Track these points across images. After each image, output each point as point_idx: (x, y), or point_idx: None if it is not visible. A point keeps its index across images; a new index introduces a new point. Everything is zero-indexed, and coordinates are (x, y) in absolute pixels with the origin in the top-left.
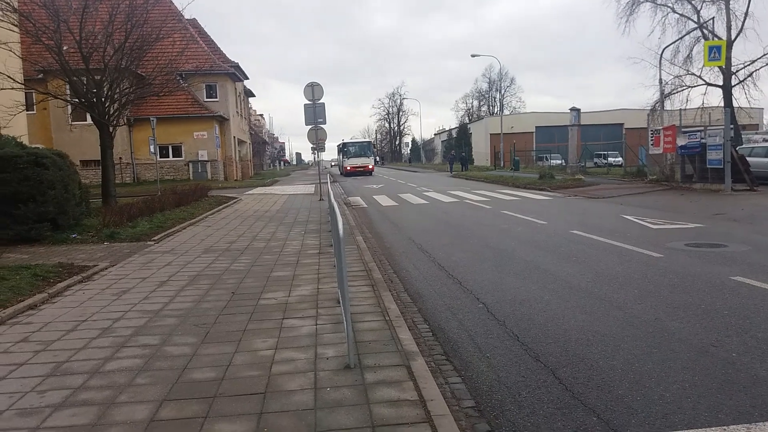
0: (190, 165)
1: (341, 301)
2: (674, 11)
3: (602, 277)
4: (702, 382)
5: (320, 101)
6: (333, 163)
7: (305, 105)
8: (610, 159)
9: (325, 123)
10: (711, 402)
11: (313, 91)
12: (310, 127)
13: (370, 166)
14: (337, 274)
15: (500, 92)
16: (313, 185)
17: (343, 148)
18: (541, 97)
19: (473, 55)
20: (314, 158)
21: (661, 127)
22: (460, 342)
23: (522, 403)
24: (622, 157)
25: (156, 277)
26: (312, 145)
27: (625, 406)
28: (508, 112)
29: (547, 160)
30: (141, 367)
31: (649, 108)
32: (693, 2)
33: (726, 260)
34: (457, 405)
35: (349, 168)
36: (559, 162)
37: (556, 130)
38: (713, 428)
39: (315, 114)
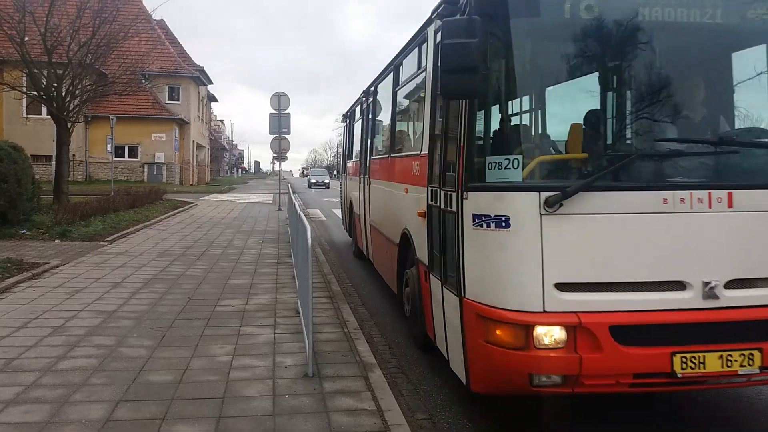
0: (146, 167)
1: (301, 311)
2: None
3: None
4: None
5: (286, 111)
6: (311, 177)
7: (270, 114)
8: None
9: (289, 133)
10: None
11: (280, 100)
12: (274, 136)
13: None
14: (300, 282)
15: None
16: (272, 195)
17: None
18: None
19: None
20: (273, 167)
21: None
22: (415, 358)
23: (473, 418)
24: None
25: (110, 278)
26: (274, 155)
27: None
28: None
29: None
30: (96, 367)
31: None
32: None
33: None
34: (412, 417)
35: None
36: None
37: None
38: None
39: (280, 124)
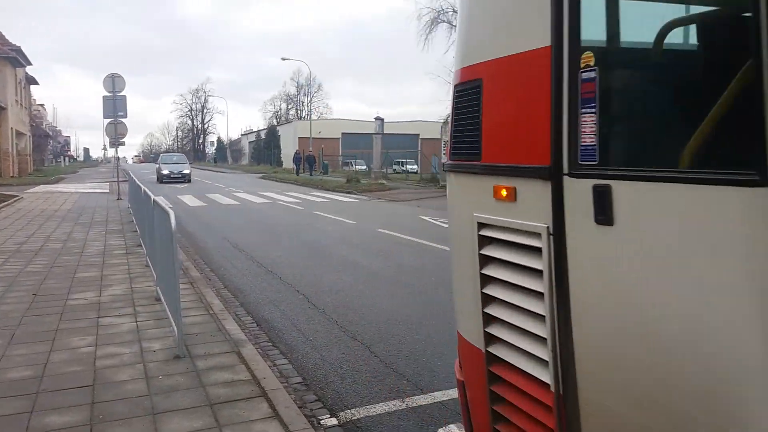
0: None
1: (162, 296)
2: None
3: (405, 268)
4: None
5: (121, 93)
6: (164, 167)
7: (104, 97)
8: (407, 166)
9: (125, 117)
10: None
11: (114, 82)
12: (109, 120)
13: None
14: (161, 267)
15: (308, 97)
16: (107, 183)
17: None
18: (354, 103)
19: (283, 59)
20: (104, 154)
21: None
22: (284, 330)
23: (344, 375)
24: (417, 164)
25: None
26: (110, 140)
27: (429, 369)
28: (315, 117)
29: (352, 165)
30: None
31: (443, 121)
32: None
33: None
34: (286, 382)
35: None
36: (363, 167)
37: (360, 137)
38: None
39: (115, 107)
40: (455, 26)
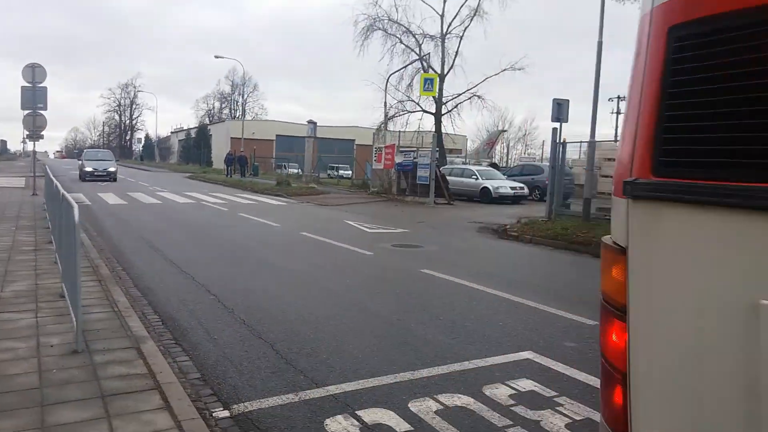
0: None
1: (66, 291)
2: (401, 42)
3: (323, 270)
4: (385, 345)
5: (42, 84)
6: (87, 164)
7: (23, 87)
8: (341, 171)
9: (45, 109)
10: (390, 358)
11: (34, 72)
12: (27, 112)
13: None
14: (65, 261)
15: (243, 97)
16: (24, 178)
17: None
18: (291, 106)
19: (217, 57)
20: (24, 148)
21: (383, 146)
22: (189, 328)
23: (243, 371)
24: (351, 170)
25: None
26: (27, 133)
27: (327, 365)
28: (250, 118)
29: (285, 168)
30: None
31: (376, 128)
32: (416, 36)
33: (420, 257)
34: (184, 377)
35: None
36: (296, 171)
37: (295, 140)
38: (388, 375)
39: (35, 98)
40: (390, 35)
